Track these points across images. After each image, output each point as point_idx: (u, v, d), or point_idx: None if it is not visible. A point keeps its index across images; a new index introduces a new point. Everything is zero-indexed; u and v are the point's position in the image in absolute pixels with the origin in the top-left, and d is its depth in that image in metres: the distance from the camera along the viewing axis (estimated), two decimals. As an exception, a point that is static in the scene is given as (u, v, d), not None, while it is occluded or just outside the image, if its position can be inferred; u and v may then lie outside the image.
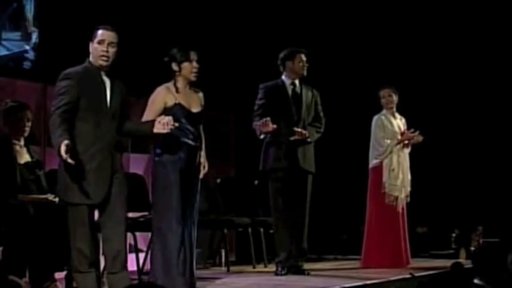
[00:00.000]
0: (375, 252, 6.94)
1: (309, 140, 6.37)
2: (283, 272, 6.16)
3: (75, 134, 4.62)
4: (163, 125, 4.74)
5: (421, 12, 8.95)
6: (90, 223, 4.66)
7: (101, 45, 4.72)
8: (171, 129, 4.76)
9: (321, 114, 6.59)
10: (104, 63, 4.73)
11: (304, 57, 6.48)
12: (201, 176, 5.15)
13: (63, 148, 4.38)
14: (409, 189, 7.07)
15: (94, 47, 4.74)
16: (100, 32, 4.76)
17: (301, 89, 6.49)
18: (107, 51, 4.71)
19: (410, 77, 8.60)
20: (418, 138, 7.07)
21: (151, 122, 4.81)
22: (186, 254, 4.92)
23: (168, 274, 4.88)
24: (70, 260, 4.72)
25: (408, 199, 7.06)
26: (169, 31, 7.57)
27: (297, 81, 6.51)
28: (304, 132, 6.29)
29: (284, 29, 8.81)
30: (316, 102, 6.59)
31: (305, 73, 6.47)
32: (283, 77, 6.49)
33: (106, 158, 4.68)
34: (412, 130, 7.09)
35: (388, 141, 7.02)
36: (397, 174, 6.98)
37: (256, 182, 5.95)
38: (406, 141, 7.06)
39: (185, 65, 5.03)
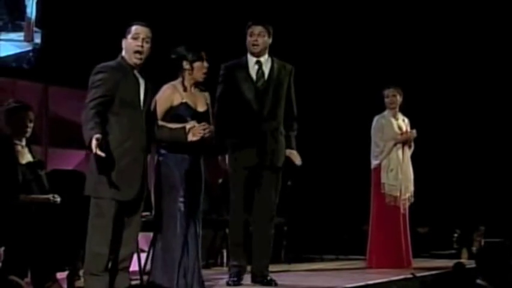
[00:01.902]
0: (376, 252, 6.95)
1: (297, 163, 5.59)
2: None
3: (109, 129, 4.53)
4: (192, 133, 4.75)
5: (423, 12, 8.95)
6: (117, 220, 4.54)
7: (136, 40, 4.63)
8: (200, 136, 4.77)
9: (294, 106, 5.65)
10: (138, 60, 4.64)
11: (256, 31, 5.51)
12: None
13: (94, 142, 4.31)
14: (412, 189, 7.05)
15: (128, 42, 4.65)
16: (134, 27, 4.67)
17: (271, 70, 5.56)
18: (142, 47, 4.63)
19: (413, 77, 8.60)
20: (413, 133, 7.07)
21: (183, 130, 4.78)
22: (189, 256, 4.91)
23: (169, 275, 4.84)
24: (83, 260, 4.64)
25: (412, 199, 7.05)
26: (170, 30, 7.55)
27: (263, 59, 5.57)
28: (297, 161, 5.57)
29: (285, 28, 8.80)
30: (290, 85, 5.63)
31: (256, 50, 5.49)
32: (248, 54, 5.59)
33: (138, 157, 4.61)
34: (408, 130, 7.08)
35: (383, 142, 7.00)
36: (396, 174, 6.96)
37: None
38: (405, 141, 7.05)
39: (198, 64, 4.99)
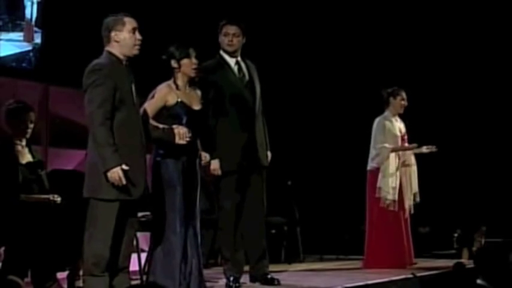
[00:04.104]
0: (376, 254, 6.90)
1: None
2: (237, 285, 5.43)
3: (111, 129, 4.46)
4: (179, 137, 4.75)
5: (424, 14, 8.95)
6: (119, 221, 4.49)
7: (135, 33, 4.56)
8: (187, 141, 4.77)
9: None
10: (138, 51, 4.58)
11: (230, 31, 5.46)
12: (203, 162, 5.08)
13: (121, 174, 4.35)
14: (413, 195, 6.99)
15: (126, 36, 4.54)
16: (128, 19, 4.57)
17: (248, 70, 5.54)
18: (141, 40, 4.59)
19: (411, 78, 8.59)
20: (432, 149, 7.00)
21: (171, 131, 4.77)
22: (188, 255, 4.91)
23: (172, 277, 4.85)
24: (81, 260, 4.63)
25: (412, 210, 7.00)
26: (166, 30, 7.55)
27: (239, 59, 5.53)
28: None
29: (286, 28, 8.82)
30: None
31: (231, 49, 5.46)
32: (223, 53, 5.52)
33: (140, 155, 4.58)
34: (415, 145, 7.00)
35: (382, 145, 6.93)
36: (395, 180, 6.89)
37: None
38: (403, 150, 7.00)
39: (185, 61, 4.99)
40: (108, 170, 4.37)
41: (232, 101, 5.43)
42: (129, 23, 4.58)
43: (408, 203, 6.99)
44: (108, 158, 4.38)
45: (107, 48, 4.60)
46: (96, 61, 4.55)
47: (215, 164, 5.40)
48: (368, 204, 7.01)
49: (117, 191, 4.44)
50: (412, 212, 7.04)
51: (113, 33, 4.57)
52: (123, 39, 4.56)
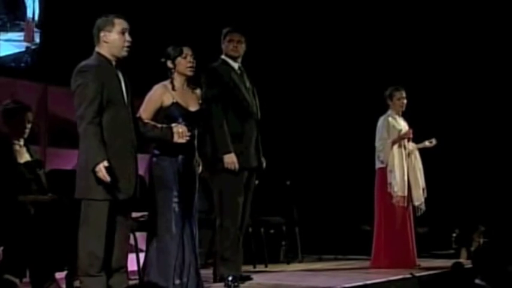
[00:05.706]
0: (383, 252, 6.90)
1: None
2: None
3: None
4: (178, 135, 4.73)
5: (425, 12, 8.95)
6: (110, 221, 4.50)
7: (124, 35, 4.56)
8: (187, 140, 4.77)
9: None
10: (127, 53, 4.58)
11: (236, 38, 5.65)
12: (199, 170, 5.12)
13: (103, 171, 4.33)
14: (421, 192, 6.98)
15: (114, 37, 4.55)
16: (118, 20, 4.58)
17: (247, 76, 5.75)
18: (130, 41, 4.59)
19: (411, 76, 8.60)
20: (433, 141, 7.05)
21: (170, 130, 4.76)
22: (184, 256, 4.91)
23: (165, 276, 4.86)
24: (77, 261, 4.61)
25: (423, 207, 7.00)
26: (167, 30, 7.56)
27: (240, 64, 5.72)
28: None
29: (291, 26, 8.82)
30: None
31: (236, 55, 5.65)
32: (226, 58, 5.68)
33: (129, 155, 4.57)
34: (408, 130, 7.02)
35: (383, 141, 6.93)
36: (403, 175, 6.91)
37: (257, 182, 5.86)
38: (403, 139, 7.00)
39: (179, 60, 5.00)
40: (94, 167, 4.37)
41: (240, 102, 5.56)
42: (119, 24, 4.58)
43: (418, 201, 6.97)
44: (94, 154, 4.38)
45: (97, 48, 4.62)
46: (83, 62, 4.56)
47: (232, 158, 5.45)
48: (376, 202, 6.99)
49: (105, 191, 4.45)
50: (424, 209, 7.01)
51: (102, 34, 4.59)
52: (112, 40, 4.57)
